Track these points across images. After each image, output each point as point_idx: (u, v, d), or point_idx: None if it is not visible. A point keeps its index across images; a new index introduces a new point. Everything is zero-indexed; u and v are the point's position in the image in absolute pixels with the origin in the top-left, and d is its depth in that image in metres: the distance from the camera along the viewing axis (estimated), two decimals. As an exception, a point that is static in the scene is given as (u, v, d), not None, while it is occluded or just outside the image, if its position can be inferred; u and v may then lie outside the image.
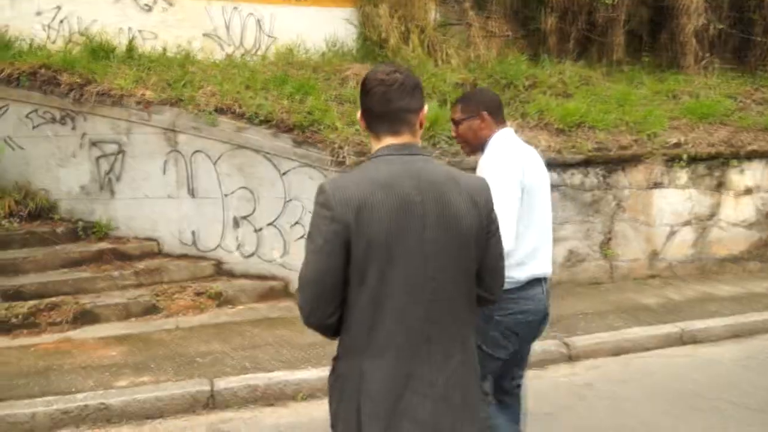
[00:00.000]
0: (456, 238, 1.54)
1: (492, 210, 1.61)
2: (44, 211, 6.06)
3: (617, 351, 4.86)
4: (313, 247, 1.51)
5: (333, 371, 1.65)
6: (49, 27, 7.16)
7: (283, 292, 5.75)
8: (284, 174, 5.73)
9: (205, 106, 5.87)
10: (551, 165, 6.26)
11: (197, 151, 5.90)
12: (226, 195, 5.88)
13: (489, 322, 2.36)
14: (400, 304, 1.50)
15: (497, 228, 1.64)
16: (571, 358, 4.74)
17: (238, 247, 5.92)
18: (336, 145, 5.52)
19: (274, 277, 5.85)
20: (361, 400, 1.52)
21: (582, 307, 5.68)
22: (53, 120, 6.13)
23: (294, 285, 5.61)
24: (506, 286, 2.24)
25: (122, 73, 6.27)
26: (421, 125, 1.67)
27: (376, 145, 1.61)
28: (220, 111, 5.90)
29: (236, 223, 5.90)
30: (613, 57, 9.00)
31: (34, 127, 6.15)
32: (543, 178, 2.47)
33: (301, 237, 5.67)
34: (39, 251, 5.57)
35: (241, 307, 5.50)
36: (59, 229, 5.88)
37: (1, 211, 5.80)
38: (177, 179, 5.97)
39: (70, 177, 6.13)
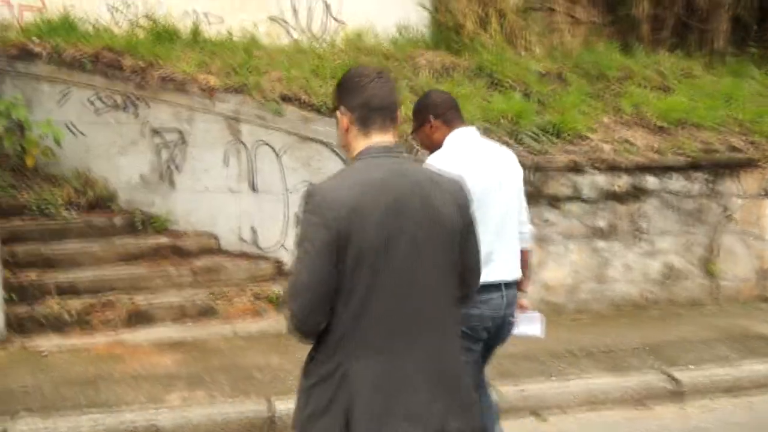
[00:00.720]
0: (443, 238, 1.56)
1: (470, 209, 1.63)
2: (103, 201, 5.82)
3: (735, 390, 4.15)
4: (305, 256, 1.50)
5: (309, 375, 1.58)
6: (114, 9, 6.93)
7: (347, 298, 5.30)
8: (353, 170, 5.26)
9: (270, 93, 5.46)
10: (649, 168, 5.59)
11: (261, 142, 5.50)
12: (289, 191, 5.47)
13: None
14: (390, 305, 1.50)
15: (475, 227, 1.66)
16: (679, 395, 4.07)
17: (301, 246, 5.50)
18: (412, 139, 4.98)
19: (337, 281, 5.41)
20: (352, 401, 1.48)
21: (685, 333, 4.96)
22: (115, 106, 5.87)
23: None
24: None
25: (186, 58, 5.94)
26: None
27: (362, 143, 1.59)
28: (286, 99, 5.47)
29: (299, 222, 5.47)
30: (714, 47, 8.08)
31: (95, 113, 5.92)
32: (502, 179, 2.43)
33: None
34: (96, 244, 5.32)
35: (302, 313, 5.07)
36: (117, 221, 5.63)
37: (60, 200, 5.58)
38: (239, 172, 5.59)
39: (130, 166, 5.86)
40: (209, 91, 5.62)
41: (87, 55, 5.85)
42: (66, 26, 6.27)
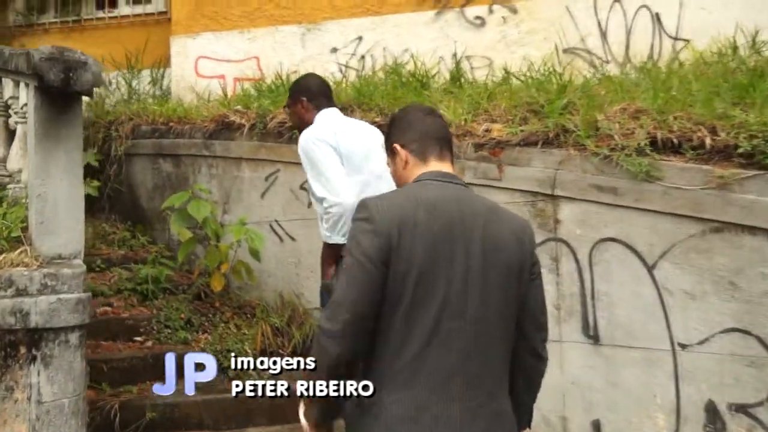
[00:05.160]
0: (499, 273, 1.39)
1: (535, 251, 1.47)
2: (306, 351, 3.47)
3: None
4: (354, 264, 1.36)
5: (358, 405, 1.41)
6: (346, 66, 5.03)
7: None
8: None
9: (622, 139, 2.62)
10: None
11: (606, 240, 2.62)
12: (681, 344, 2.42)
13: None
14: (432, 333, 1.34)
15: (540, 272, 1.47)
16: None
17: (719, 480, 2.33)
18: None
19: None
20: None
21: None
22: (337, 191, 3.64)
23: None
24: None
25: (445, 104, 3.53)
26: None
27: (420, 170, 1.49)
28: (658, 147, 2.58)
29: (714, 417, 2.34)
30: None
31: (310, 205, 3.75)
32: (368, 144, 2.54)
33: None
34: (294, 438, 2.88)
35: None
36: (334, 390, 3.16)
37: (249, 348, 3.36)
38: (556, 299, 2.75)
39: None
40: (493, 151, 3.02)
41: (300, 118, 3.79)
42: (279, 89, 4.42)
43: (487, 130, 3.07)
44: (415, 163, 1.50)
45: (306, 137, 2.48)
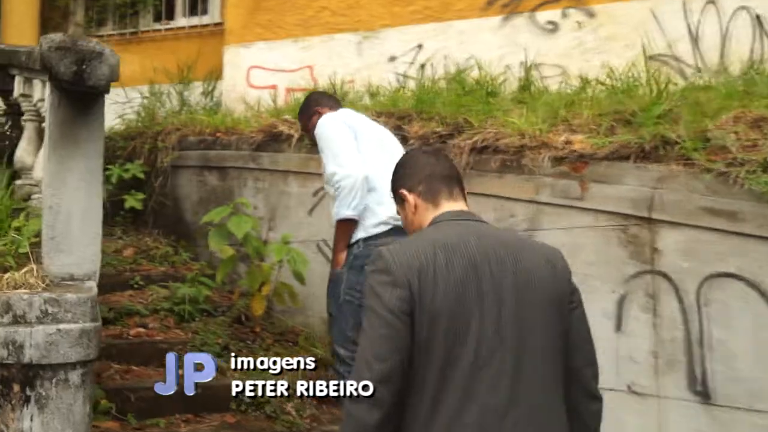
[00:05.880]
0: (537, 308, 1.30)
1: (571, 278, 1.36)
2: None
3: None
4: (375, 320, 1.26)
5: None
6: (404, 75, 4.70)
7: None
8: None
9: (743, 152, 2.14)
10: None
11: (721, 276, 2.14)
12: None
13: (360, 273, 2.29)
14: (468, 386, 1.24)
15: (580, 300, 1.37)
16: None
17: None
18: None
19: None
20: None
21: None
22: (392, 208, 3.28)
23: None
24: (373, 231, 2.35)
25: (516, 112, 3.13)
26: None
27: (432, 214, 1.42)
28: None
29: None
30: None
31: (361, 223, 3.40)
32: (381, 137, 2.56)
33: None
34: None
35: None
36: None
37: (287, 380, 3.00)
38: (653, 345, 2.27)
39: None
40: (574, 166, 2.58)
41: (353, 127, 3.47)
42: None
43: (567, 142, 2.64)
44: (426, 207, 1.43)
45: (321, 119, 2.51)
